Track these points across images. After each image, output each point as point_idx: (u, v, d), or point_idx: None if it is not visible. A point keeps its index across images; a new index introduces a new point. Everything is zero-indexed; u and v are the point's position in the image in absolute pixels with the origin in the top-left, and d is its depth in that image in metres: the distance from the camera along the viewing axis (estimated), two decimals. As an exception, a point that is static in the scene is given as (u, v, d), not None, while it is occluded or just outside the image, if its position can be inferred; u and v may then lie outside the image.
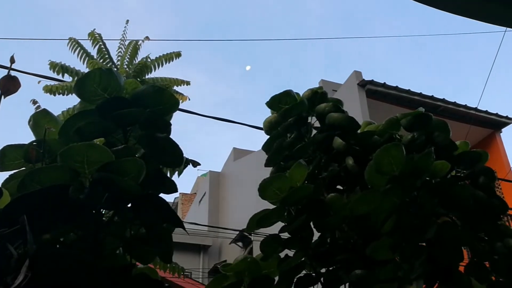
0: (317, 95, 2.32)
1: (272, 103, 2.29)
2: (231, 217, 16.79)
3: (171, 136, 1.62)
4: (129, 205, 1.38)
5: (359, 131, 2.19)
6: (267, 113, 2.44)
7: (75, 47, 7.62)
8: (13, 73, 1.21)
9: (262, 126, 2.42)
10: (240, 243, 15.20)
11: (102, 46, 7.86)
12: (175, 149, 1.58)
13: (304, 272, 1.98)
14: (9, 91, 1.10)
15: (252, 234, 12.27)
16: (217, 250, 17.66)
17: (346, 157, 2.04)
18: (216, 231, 15.92)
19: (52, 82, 7.12)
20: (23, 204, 1.11)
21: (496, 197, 1.99)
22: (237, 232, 13.17)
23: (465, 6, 1.72)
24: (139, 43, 8.28)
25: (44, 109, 1.68)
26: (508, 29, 4.46)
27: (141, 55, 8.32)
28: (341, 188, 2.15)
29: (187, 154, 1.77)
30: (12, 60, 1.11)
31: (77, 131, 1.48)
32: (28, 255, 0.97)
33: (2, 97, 1.09)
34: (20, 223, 0.98)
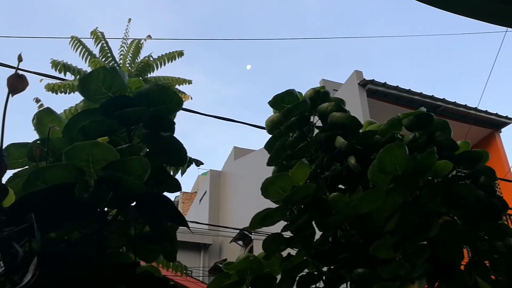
0: (320, 94, 2.33)
1: (275, 102, 2.30)
2: (232, 216, 16.80)
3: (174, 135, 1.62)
4: (134, 203, 1.39)
5: (361, 131, 2.20)
6: (268, 112, 2.44)
7: (77, 46, 7.61)
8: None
9: (262, 125, 2.43)
10: (240, 242, 15.21)
11: (105, 45, 7.85)
12: (179, 148, 1.59)
13: (306, 270, 1.99)
14: (17, 89, 1.10)
15: (253, 233, 12.28)
16: (217, 249, 17.67)
17: (348, 156, 2.05)
18: (216, 229, 15.93)
19: (54, 81, 7.12)
20: (29, 202, 1.12)
21: (497, 197, 2.00)
22: (238, 231, 13.19)
23: (466, 5, 1.73)
24: (141, 42, 8.27)
25: (48, 108, 1.68)
26: (509, 29, 4.45)
27: (142, 54, 8.32)
28: (343, 187, 2.16)
29: (188, 153, 1.77)
30: (20, 59, 1.11)
31: (81, 129, 1.48)
32: (37, 253, 0.97)
33: (10, 95, 1.09)
34: (28, 221, 0.99)
